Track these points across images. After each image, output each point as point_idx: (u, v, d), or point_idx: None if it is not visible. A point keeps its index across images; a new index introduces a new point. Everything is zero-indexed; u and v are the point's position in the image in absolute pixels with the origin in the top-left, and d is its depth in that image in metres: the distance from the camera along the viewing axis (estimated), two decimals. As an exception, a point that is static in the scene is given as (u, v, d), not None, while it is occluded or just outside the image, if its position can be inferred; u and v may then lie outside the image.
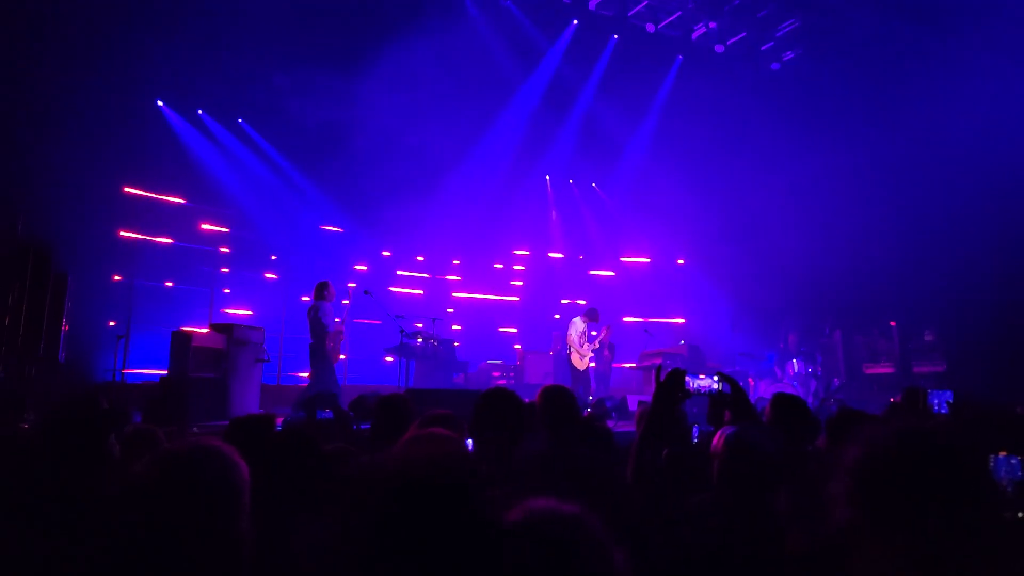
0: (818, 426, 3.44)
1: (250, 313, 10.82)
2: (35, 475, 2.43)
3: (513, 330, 14.01)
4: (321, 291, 8.31)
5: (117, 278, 9.96)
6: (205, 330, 7.84)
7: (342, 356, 11.67)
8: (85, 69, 8.84)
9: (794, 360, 11.23)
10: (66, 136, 8.41)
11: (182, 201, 10.69)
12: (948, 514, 1.00)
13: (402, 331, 9.63)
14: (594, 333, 11.25)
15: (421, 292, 13.03)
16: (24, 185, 7.87)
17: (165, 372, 7.60)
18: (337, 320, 8.37)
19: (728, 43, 12.42)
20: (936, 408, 4.83)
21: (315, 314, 8.11)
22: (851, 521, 1.06)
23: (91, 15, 8.68)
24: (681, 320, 14.43)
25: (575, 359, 10.65)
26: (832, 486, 1.11)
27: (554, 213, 15.09)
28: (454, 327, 13.09)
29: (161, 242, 10.42)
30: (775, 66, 12.80)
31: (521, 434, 2.84)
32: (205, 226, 11.02)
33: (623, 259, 15.07)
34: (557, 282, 14.59)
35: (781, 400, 3.34)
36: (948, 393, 4.94)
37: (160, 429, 2.97)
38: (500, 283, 14.21)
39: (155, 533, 1.24)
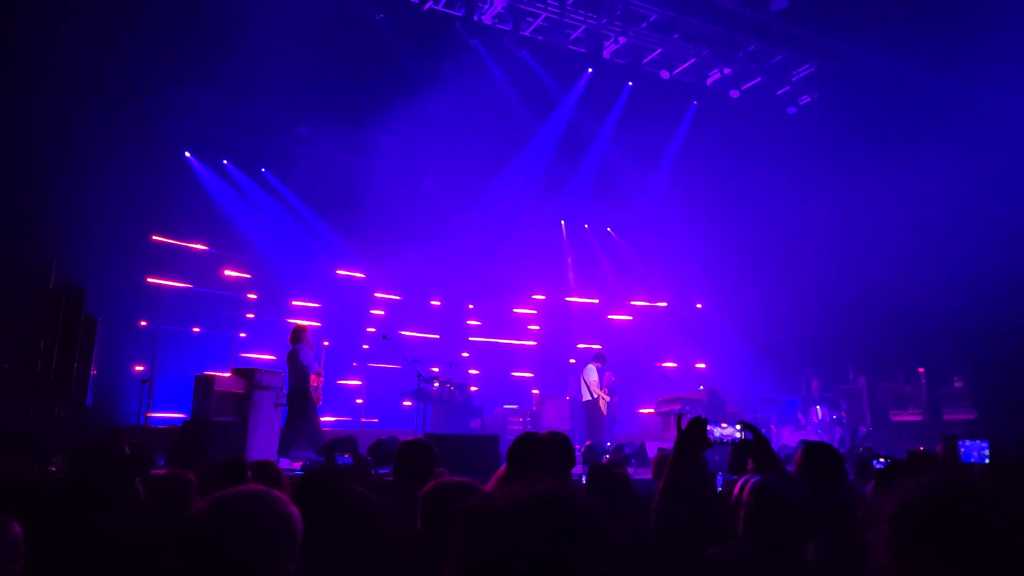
0: (847, 476, 3.38)
1: (273, 358, 10.93)
2: (63, 517, 2.51)
3: (529, 375, 13.98)
4: (299, 336, 8.55)
5: (143, 323, 10.17)
6: (227, 374, 7.94)
7: (359, 400, 11.76)
8: (116, 123, 9.24)
9: (818, 406, 11.06)
10: (98, 187, 8.75)
11: (207, 248, 10.95)
12: (986, 566, 1.01)
13: (419, 375, 9.67)
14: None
15: (437, 336, 13.09)
16: (58, 234, 8.15)
17: (188, 416, 7.70)
18: (316, 365, 8.55)
19: (743, 88, 12.64)
20: (975, 458, 4.72)
21: (296, 358, 8.36)
22: (888, 569, 1.08)
23: (122, 72, 9.09)
24: (702, 365, 14.32)
25: (602, 404, 10.75)
26: (872, 533, 1.13)
27: (569, 258, 15.20)
28: (471, 371, 13.09)
29: (186, 288, 10.64)
30: (791, 110, 12.97)
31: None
32: (228, 272, 11.24)
33: (640, 303, 15.06)
34: (573, 326, 14.60)
35: (813, 449, 3.27)
36: (985, 443, 4.82)
37: (191, 473, 3.04)
38: (516, 327, 14.24)
39: (214, 570, 1.29)
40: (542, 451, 2.95)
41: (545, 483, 1.01)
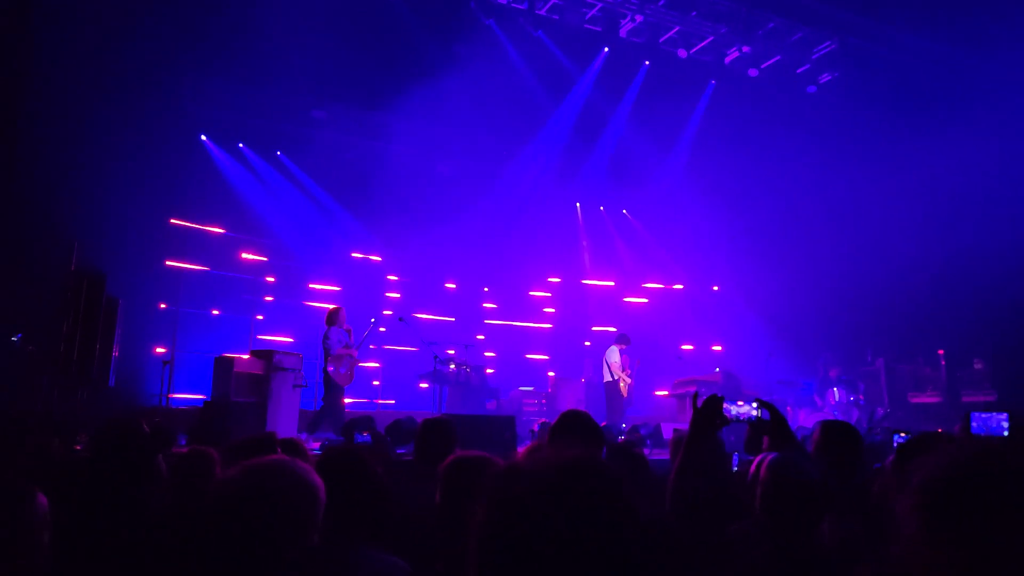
0: (863, 456, 3.36)
1: (291, 340, 11.05)
2: (89, 493, 2.58)
3: (545, 357, 14.01)
4: (330, 317, 8.84)
5: (163, 306, 10.30)
6: (246, 356, 8.04)
7: (376, 382, 11.88)
8: (134, 107, 9.30)
9: (835, 388, 10.99)
10: (117, 171, 8.83)
11: (224, 231, 11.04)
12: (1015, 530, 1.00)
13: (435, 357, 9.72)
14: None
15: (453, 319, 13.14)
16: (78, 217, 8.26)
17: (208, 396, 7.83)
18: (348, 346, 8.63)
19: (762, 67, 12.42)
20: (989, 430, 4.69)
21: (322, 339, 8.61)
22: (915, 536, 1.07)
23: (140, 58, 9.14)
24: (718, 347, 14.26)
25: (622, 387, 10.74)
26: (899, 504, 1.12)
27: (585, 240, 15.14)
28: (486, 354, 13.14)
29: (205, 271, 10.75)
30: (811, 89, 12.73)
31: None
32: (246, 255, 11.34)
33: (656, 286, 15.00)
34: (589, 309, 14.57)
35: (831, 427, 3.23)
36: (1003, 415, 4.79)
37: (212, 450, 3.10)
38: (532, 310, 14.25)
39: (242, 536, 1.32)
40: (583, 427, 3.02)
41: (572, 451, 1.02)
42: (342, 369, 8.53)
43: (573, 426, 3.10)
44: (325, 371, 8.51)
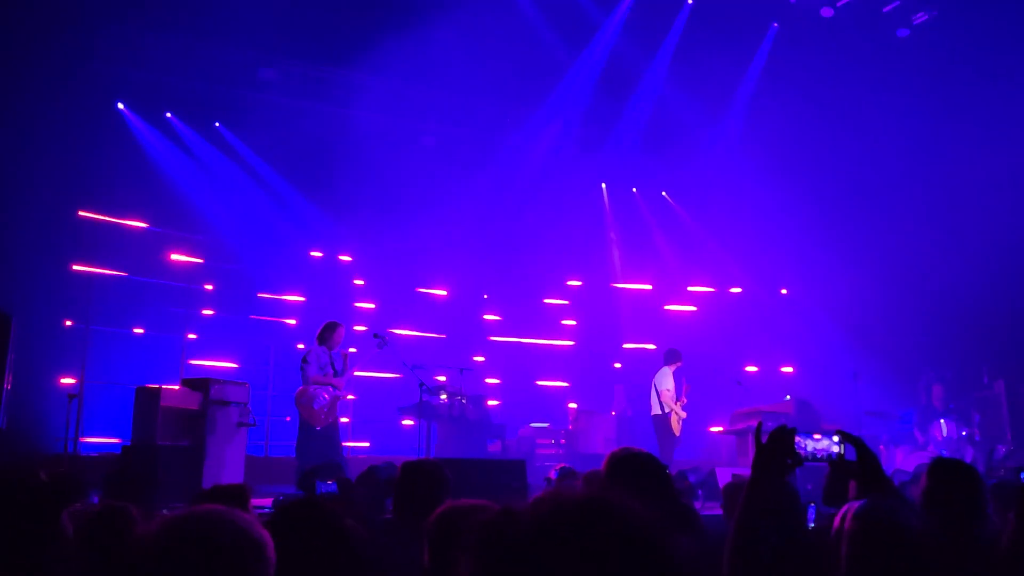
0: (985, 503, 3.34)
1: (234, 365, 11.07)
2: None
3: (563, 384, 14.01)
4: (321, 334, 8.87)
5: (69, 323, 10.33)
6: (176, 387, 8.06)
7: (344, 419, 11.91)
8: (30, 67, 9.33)
9: (941, 420, 10.98)
10: (9, 150, 8.86)
11: (147, 226, 11.08)
12: None
13: (422, 385, 9.72)
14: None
15: (444, 336, 13.16)
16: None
17: (127, 440, 7.84)
18: (333, 373, 8.65)
19: (839, 4, 12.45)
20: None
21: (300, 360, 8.69)
22: None
23: (37, 5, 9.19)
24: (788, 369, 14.23)
25: (674, 422, 10.61)
26: None
27: (613, 232, 15.16)
28: (488, 380, 13.15)
29: (123, 277, 10.79)
30: (903, 32, 12.76)
31: None
32: (175, 256, 11.38)
33: (706, 290, 14.99)
34: (620, 321, 14.58)
35: (943, 465, 3.22)
36: None
37: (131, 507, 3.11)
38: (546, 323, 14.26)
39: None
40: (647, 476, 2.99)
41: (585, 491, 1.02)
42: (315, 403, 8.44)
43: (635, 472, 3.03)
44: (295, 402, 8.53)
